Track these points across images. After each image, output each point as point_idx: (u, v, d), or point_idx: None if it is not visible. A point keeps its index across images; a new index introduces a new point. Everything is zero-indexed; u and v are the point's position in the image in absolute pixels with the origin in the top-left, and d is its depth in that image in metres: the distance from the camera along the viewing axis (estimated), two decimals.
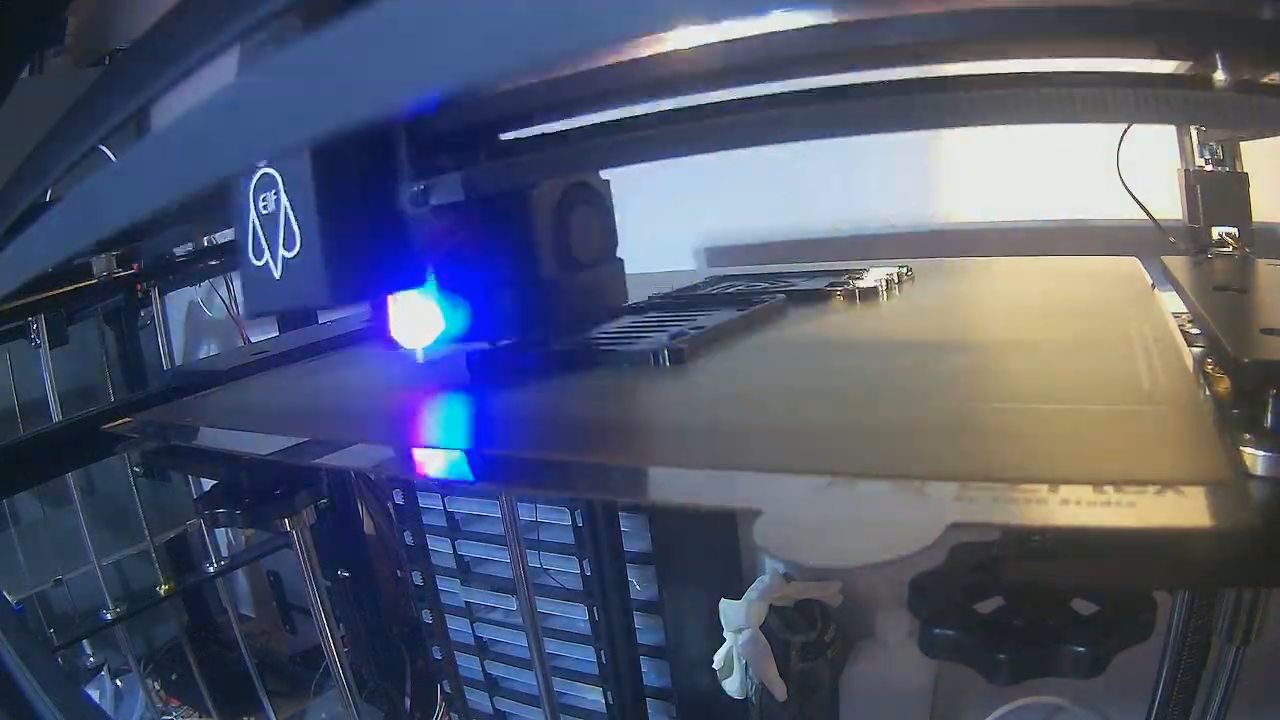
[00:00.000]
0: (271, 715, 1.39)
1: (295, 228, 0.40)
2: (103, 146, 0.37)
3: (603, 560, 0.90)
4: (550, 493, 0.84)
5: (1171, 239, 0.66)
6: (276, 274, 0.41)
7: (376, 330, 0.47)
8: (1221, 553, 0.25)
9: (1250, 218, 0.62)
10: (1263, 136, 0.60)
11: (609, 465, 0.36)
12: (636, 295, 0.62)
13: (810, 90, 0.33)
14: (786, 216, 0.96)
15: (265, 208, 0.41)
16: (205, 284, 1.43)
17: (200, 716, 1.43)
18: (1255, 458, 0.28)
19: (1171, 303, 0.50)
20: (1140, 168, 0.69)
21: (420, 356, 0.47)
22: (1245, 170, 0.62)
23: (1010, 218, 0.84)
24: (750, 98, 0.34)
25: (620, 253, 0.55)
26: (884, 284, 0.60)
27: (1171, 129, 0.66)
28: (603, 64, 0.35)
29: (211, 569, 1.39)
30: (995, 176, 0.84)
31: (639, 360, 0.48)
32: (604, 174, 0.52)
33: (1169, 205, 0.67)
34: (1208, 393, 0.35)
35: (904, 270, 0.64)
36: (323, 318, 0.94)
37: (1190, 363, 0.38)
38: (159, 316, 1.42)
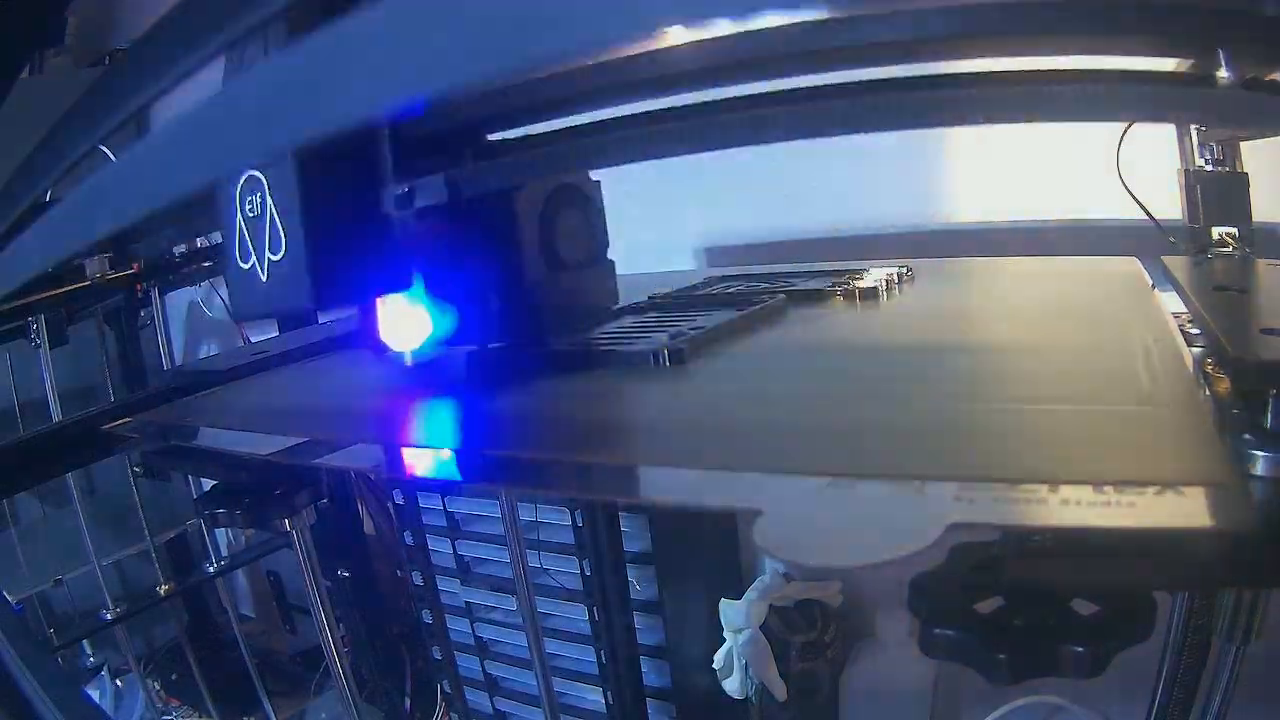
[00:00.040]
0: (271, 715, 1.39)
1: (281, 231, 0.40)
2: (103, 146, 0.37)
3: (602, 560, 0.90)
4: (550, 493, 0.84)
5: (1171, 239, 0.66)
6: (263, 277, 0.41)
7: (365, 334, 0.47)
8: (1221, 553, 0.25)
9: (1250, 218, 0.62)
10: (1264, 136, 0.60)
11: (609, 465, 0.36)
12: (637, 295, 0.62)
13: (798, 89, 0.33)
14: (786, 216, 0.96)
15: (251, 210, 0.41)
16: (205, 284, 1.43)
17: (200, 716, 1.43)
18: (1255, 458, 0.28)
19: (1171, 303, 0.50)
20: (1140, 168, 0.69)
21: (408, 360, 0.47)
22: (1245, 170, 0.62)
23: (1010, 218, 0.84)
24: (739, 97, 0.34)
25: (615, 254, 0.54)
26: (884, 284, 0.60)
27: (1172, 129, 0.66)
28: (590, 63, 0.35)
29: (211, 569, 1.39)
30: (995, 176, 0.84)
31: (639, 360, 0.47)
32: (594, 174, 0.52)
33: (1169, 205, 0.67)
34: (1208, 393, 0.35)
35: (904, 270, 0.64)
36: (323, 318, 0.94)
37: (1190, 363, 0.38)
38: (159, 316, 1.42)
